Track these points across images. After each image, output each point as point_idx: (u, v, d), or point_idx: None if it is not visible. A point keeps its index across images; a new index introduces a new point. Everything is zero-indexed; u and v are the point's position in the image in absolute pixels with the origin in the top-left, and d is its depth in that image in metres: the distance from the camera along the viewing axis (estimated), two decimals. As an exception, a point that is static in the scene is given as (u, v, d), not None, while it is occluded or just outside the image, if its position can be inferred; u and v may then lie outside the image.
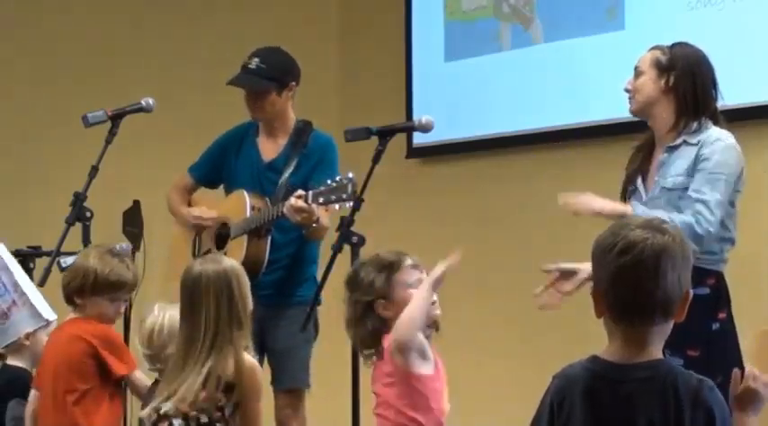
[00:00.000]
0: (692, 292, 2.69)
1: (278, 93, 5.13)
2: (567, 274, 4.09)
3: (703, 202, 4.01)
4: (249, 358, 3.69)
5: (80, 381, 4.29)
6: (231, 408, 3.63)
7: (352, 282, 3.86)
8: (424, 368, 3.71)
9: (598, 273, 2.70)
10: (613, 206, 4.14)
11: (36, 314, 4.64)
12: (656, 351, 2.69)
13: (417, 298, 3.68)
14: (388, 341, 3.72)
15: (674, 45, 4.24)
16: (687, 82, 4.15)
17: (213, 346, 3.63)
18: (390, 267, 3.81)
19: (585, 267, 3.96)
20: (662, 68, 4.18)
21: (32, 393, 4.42)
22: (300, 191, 4.78)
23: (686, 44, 4.25)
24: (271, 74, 5.11)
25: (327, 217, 4.92)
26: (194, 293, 3.68)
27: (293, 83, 5.17)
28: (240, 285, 3.71)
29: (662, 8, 5.88)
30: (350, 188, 4.62)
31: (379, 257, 3.86)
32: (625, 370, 2.66)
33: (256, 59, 5.12)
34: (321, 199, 4.69)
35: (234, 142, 5.30)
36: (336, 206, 4.68)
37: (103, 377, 4.32)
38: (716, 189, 4.03)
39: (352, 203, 4.60)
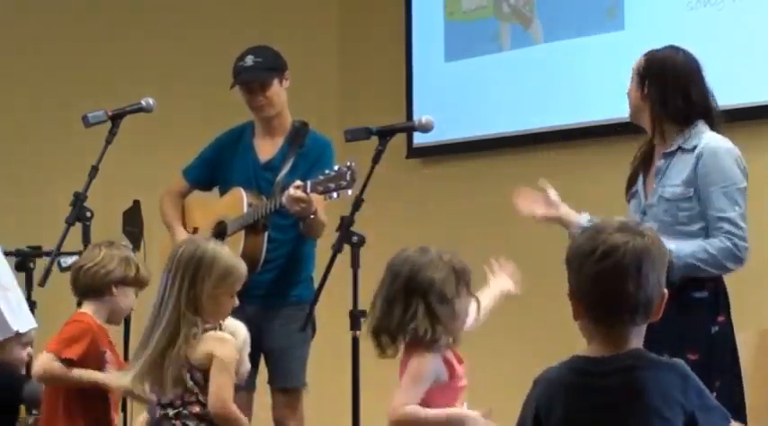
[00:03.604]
0: (666, 293, 2.70)
1: (279, 82, 5.16)
2: (549, 203, 4.23)
3: (729, 220, 4.00)
4: (217, 334, 3.66)
5: None
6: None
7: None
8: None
9: (576, 278, 2.70)
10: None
11: (4, 323, 4.54)
12: (635, 346, 2.69)
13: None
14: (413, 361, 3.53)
15: (660, 49, 4.18)
16: (656, 90, 4.09)
17: (176, 328, 3.60)
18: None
19: (564, 210, 4.21)
20: (640, 76, 4.15)
21: None
22: (299, 182, 4.78)
23: (671, 47, 4.18)
24: (269, 65, 5.16)
25: (324, 211, 4.91)
26: (169, 270, 3.69)
27: (287, 70, 5.19)
28: (212, 268, 3.67)
29: (662, 8, 5.88)
30: (349, 175, 4.62)
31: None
32: (606, 363, 2.67)
33: (250, 56, 5.16)
34: (320, 188, 4.69)
35: (230, 143, 5.30)
36: (336, 194, 4.67)
37: None
38: (734, 201, 4.02)
39: (351, 190, 4.59)
